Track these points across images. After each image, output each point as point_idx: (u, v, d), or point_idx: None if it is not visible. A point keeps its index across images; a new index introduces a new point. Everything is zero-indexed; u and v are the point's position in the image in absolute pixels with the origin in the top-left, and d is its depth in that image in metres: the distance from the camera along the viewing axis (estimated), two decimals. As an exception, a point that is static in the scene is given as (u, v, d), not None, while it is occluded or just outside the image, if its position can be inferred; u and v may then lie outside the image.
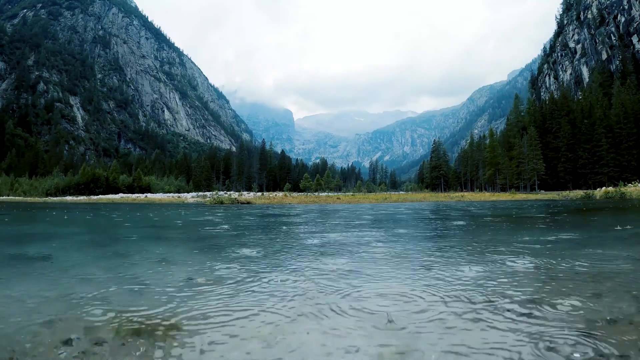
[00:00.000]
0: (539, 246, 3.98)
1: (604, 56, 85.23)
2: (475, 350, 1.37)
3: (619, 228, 4.93)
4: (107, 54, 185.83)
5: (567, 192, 38.46)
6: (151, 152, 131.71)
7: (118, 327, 1.60)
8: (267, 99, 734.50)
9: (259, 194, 43.38)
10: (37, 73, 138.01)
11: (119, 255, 3.67)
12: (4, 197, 48.80)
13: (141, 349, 1.39)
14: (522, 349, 1.36)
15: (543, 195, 33.58)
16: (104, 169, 69.94)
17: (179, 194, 47.49)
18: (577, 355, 1.31)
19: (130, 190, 57.17)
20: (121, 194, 46.90)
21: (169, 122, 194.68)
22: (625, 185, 28.27)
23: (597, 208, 12.16)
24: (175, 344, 1.44)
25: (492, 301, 1.96)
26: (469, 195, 32.23)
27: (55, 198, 44.61)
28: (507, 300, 1.98)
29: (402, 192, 62.03)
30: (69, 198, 42.17)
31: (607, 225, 6.94)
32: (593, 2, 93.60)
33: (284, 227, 6.96)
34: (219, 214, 11.64)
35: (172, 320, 1.69)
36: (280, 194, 40.57)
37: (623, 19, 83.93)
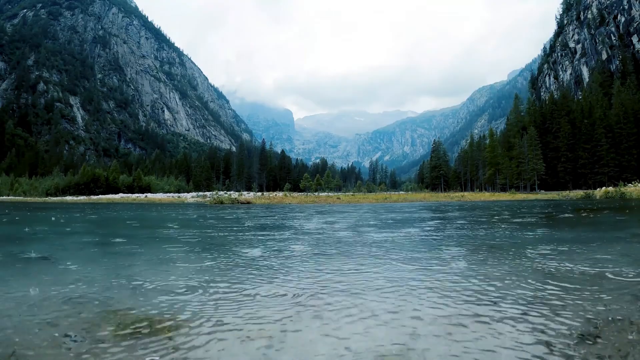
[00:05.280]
0: (538, 245, 3.98)
1: (604, 56, 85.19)
2: (474, 350, 1.36)
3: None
4: (107, 54, 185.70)
5: (567, 192, 38.47)
6: (151, 152, 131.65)
7: (118, 327, 1.59)
8: (267, 99, 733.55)
9: (259, 194, 43.36)
10: (37, 73, 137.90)
11: (119, 255, 3.67)
12: (4, 197, 48.77)
13: (141, 349, 1.38)
14: (522, 349, 1.36)
15: (543, 195, 33.58)
16: (104, 169, 69.84)
17: (179, 194, 47.48)
18: (577, 355, 1.31)
19: (130, 190, 57.12)
20: (121, 194, 46.88)
21: (169, 122, 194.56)
22: (625, 185, 28.23)
23: (598, 208, 12.16)
24: (175, 344, 1.43)
25: (492, 301, 1.96)
26: (469, 195, 32.22)
27: (55, 198, 44.60)
28: (506, 299, 1.98)
29: (402, 192, 62.00)
30: (69, 198, 42.16)
31: (608, 225, 6.94)
32: (593, 2, 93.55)
33: (283, 227, 6.97)
34: (218, 214, 11.64)
35: (173, 320, 1.69)
36: (280, 194, 40.56)
37: (623, 19, 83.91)
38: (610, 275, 2.52)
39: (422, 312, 1.80)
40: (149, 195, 44.11)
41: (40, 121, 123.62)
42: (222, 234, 5.78)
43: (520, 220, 8.05)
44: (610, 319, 1.66)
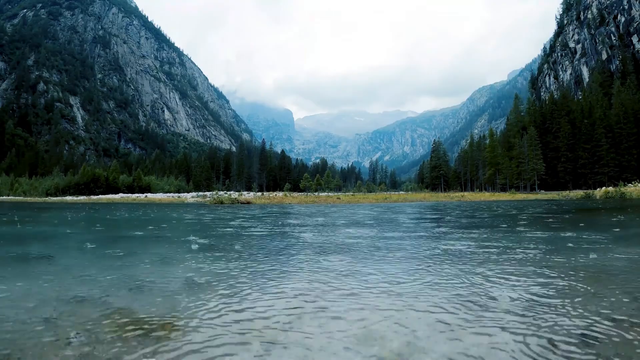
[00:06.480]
0: (539, 245, 3.98)
1: (604, 56, 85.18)
2: (475, 349, 1.36)
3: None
4: (107, 54, 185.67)
5: (567, 192, 38.47)
6: (151, 152, 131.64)
7: (118, 327, 1.59)
8: (267, 99, 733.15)
9: (259, 194, 43.36)
10: (37, 73, 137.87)
11: (119, 255, 3.67)
12: (4, 197, 48.77)
13: (141, 349, 1.38)
14: (522, 349, 1.36)
15: (543, 195, 33.59)
16: (104, 169, 69.79)
17: (179, 194, 47.47)
18: (577, 354, 1.31)
19: (130, 190, 57.10)
20: (121, 194, 46.86)
21: (169, 122, 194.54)
22: (625, 185, 28.24)
23: (598, 208, 12.15)
24: (175, 344, 1.43)
25: (493, 300, 1.96)
26: (469, 195, 32.22)
27: (55, 198, 44.61)
28: (507, 299, 1.98)
29: (402, 192, 62.00)
30: (69, 198, 42.15)
31: (608, 224, 6.94)
32: (593, 2, 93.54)
33: (283, 226, 6.96)
34: (218, 214, 11.64)
35: (172, 320, 1.69)
36: (280, 194, 40.55)
37: (623, 19, 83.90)
38: (610, 275, 2.52)
39: (424, 312, 1.80)
40: (149, 195, 44.10)
41: (40, 121, 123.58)
42: (221, 234, 5.78)
43: (521, 220, 8.05)
44: (610, 318, 1.66)
